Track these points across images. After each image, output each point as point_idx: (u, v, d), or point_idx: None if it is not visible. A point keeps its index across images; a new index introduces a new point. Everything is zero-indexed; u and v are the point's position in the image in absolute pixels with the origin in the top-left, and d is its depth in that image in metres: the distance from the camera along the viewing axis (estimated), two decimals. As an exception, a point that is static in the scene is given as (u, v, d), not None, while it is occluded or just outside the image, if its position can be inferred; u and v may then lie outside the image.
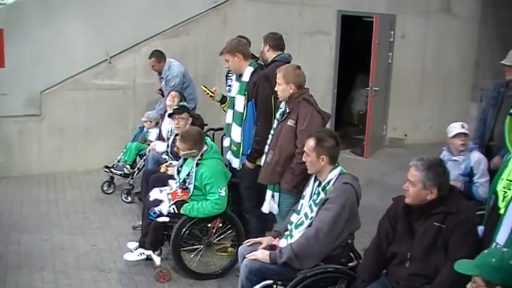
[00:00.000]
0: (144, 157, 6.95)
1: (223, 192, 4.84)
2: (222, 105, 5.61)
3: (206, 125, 6.66)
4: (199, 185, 4.90)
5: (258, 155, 4.92)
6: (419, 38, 10.59)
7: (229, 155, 5.28)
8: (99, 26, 8.03)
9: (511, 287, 2.51)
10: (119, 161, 7.23)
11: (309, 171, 3.96)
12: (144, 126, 7.45)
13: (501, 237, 3.05)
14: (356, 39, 10.62)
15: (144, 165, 6.90)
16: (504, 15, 10.91)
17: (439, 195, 3.30)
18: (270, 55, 5.53)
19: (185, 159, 5.24)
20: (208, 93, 5.68)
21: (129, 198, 6.97)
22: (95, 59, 8.14)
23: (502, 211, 3.11)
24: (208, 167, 4.90)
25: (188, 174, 5.02)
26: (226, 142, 5.38)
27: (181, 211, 4.87)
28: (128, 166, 7.13)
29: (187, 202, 4.90)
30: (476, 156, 5.17)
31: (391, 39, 10.18)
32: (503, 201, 3.15)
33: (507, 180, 3.17)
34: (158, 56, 7.64)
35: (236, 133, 5.09)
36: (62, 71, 7.98)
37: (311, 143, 3.86)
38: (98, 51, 8.09)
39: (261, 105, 4.95)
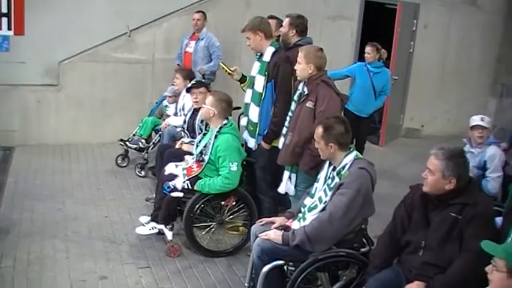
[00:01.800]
0: (160, 132, 6.96)
1: (234, 167, 4.83)
2: (242, 85, 5.58)
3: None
4: (214, 158, 4.90)
5: (275, 136, 4.91)
6: (442, 29, 10.45)
7: (245, 135, 5.26)
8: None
9: None
10: (134, 135, 7.22)
11: (321, 157, 3.95)
12: (162, 101, 7.43)
13: None
14: (378, 26, 10.51)
15: (159, 140, 6.91)
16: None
17: (457, 185, 3.27)
18: (294, 39, 5.48)
19: (204, 134, 5.24)
20: (227, 71, 5.65)
21: (143, 173, 6.99)
22: (115, 31, 8.12)
23: None
24: (224, 140, 4.90)
25: (205, 146, 5.03)
26: (243, 121, 5.36)
27: (195, 187, 4.87)
28: (143, 140, 7.13)
29: (201, 178, 4.90)
30: (492, 150, 5.13)
31: (414, 29, 10.05)
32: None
33: None
34: (204, 14, 7.73)
35: (254, 113, 5.07)
36: (81, 43, 7.99)
37: (319, 130, 3.84)
38: (118, 24, 8.07)
39: (281, 87, 4.92)
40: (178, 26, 8.43)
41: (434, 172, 3.29)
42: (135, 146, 7.14)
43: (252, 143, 5.14)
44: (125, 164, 7.29)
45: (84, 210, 5.81)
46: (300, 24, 5.51)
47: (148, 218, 5.17)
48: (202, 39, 7.78)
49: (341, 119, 3.96)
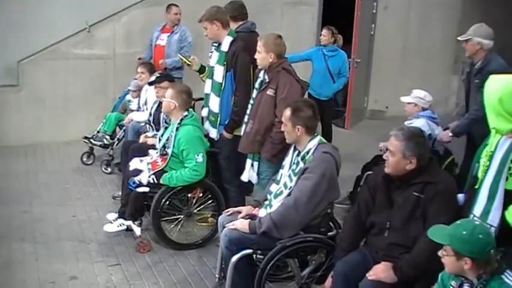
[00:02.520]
0: (124, 128, 6.91)
1: (200, 158, 4.82)
2: (201, 75, 5.56)
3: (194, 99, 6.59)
4: (177, 151, 4.89)
5: (236, 125, 4.91)
6: (402, 10, 10.53)
7: (207, 125, 5.25)
8: (79, -7, 7.88)
9: (478, 259, 2.59)
10: (98, 132, 7.14)
11: (287, 141, 3.96)
12: (125, 96, 7.36)
13: (477, 210, 3.08)
14: (339, 11, 10.54)
15: (124, 136, 6.85)
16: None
17: (418, 165, 3.31)
18: (232, 26, 5.43)
19: (165, 128, 5.21)
20: (185, 62, 5.62)
21: (109, 169, 6.93)
22: (74, 27, 7.99)
23: (479, 182, 3.14)
24: (185, 132, 4.88)
25: (167, 139, 5.01)
26: (204, 112, 5.33)
27: (161, 181, 4.85)
28: (107, 137, 7.05)
29: (166, 172, 4.88)
30: (416, 123, 5.18)
31: (374, 11, 10.12)
32: (482, 171, 3.17)
33: (489, 151, 3.18)
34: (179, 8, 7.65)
35: (214, 103, 5.06)
36: (40, 40, 7.82)
37: (287, 112, 3.86)
38: (77, 20, 7.93)
39: (240, 76, 4.92)
40: (138, 19, 8.34)
41: (395, 153, 3.32)
42: (99, 143, 7.05)
43: (213, 133, 5.14)
44: (90, 162, 7.21)
45: (52, 211, 5.73)
46: (231, 9, 5.46)
47: (116, 215, 5.13)
48: (176, 32, 7.67)
49: (309, 103, 4.00)
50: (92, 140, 7.09)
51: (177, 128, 4.94)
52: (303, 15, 9.61)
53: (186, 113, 4.99)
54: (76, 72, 8.10)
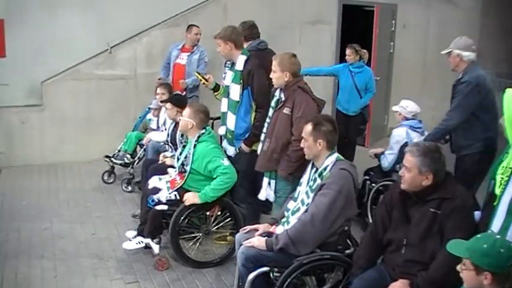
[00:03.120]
0: (144, 147, 6.97)
1: (226, 162, 4.85)
2: (215, 93, 5.63)
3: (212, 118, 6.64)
4: (197, 167, 4.92)
5: (256, 139, 4.95)
6: (421, 28, 10.54)
7: (224, 143, 5.30)
8: (100, 15, 8.01)
9: (498, 274, 2.54)
10: (119, 151, 7.23)
11: (306, 157, 3.97)
12: (145, 115, 7.44)
13: (496, 225, 3.05)
14: (357, 29, 10.59)
15: (144, 155, 6.92)
16: (505, 5, 10.87)
17: (434, 181, 3.30)
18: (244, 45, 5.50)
19: (184, 146, 5.26)
20: (201, 81, 5.69)
21: (130, 188, 6.99)
22: (96, 49, 8.13)
23: (497, 198, 3.11)
24: (203, 147, 4.94)
25: (186, 157, 5.05)
26: (221, 130, 5.38)
27: (199, 201, 4.82)
28: (128, 155, 7.12)
29: (187, 190, 4.92)
30: (396, 131, 5.84)
31: (393, 29, 10.14)
32: (499, 187, 3.14)
33: (506, 167, 3.15)
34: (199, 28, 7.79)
35: (231, 121, 5.12)
36: (62, 61, 7.97)
37: (309, 127, 3.87)
38: (98, 41, 8.07)
39: (259, 93, 4.98)
40: (158, 39, 8.46)
41: (411, 169, 3.32)
42: (120, 162, 7.13)
43: (231, 151, 5.18)
44: (111, 180, 7.28)
45: (71, 228, 5.79)
46: (242, 31, 5.53)
47: (135, 233, 5.17)
48: (196, 53, 7.80)
49: (329, 117, 4.02)
50: (113, 159, 7.17)
51: (194, 145, 4.98)
52: (322, 34, 9.67)
53: (203, 131, 5.04)
54: (98, 92, 8.23)
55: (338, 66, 7.98)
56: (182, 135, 5.68)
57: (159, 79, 7.81)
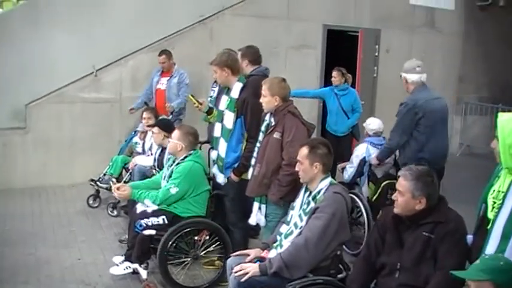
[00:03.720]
0: (130, 170, 6.94)
1: (173, 190, 4.85)
2: (209, 117, 5.63)
3: (201, 142, 6.62)
4: None
5: (245, 169, 4.93)
6: (404, 53, 10.67)
7: (214, 169, 5.26)
8: (85, 38, 8.01)
9: None
10: (104, 174, 7.18)
11: (301, 180, 3.96)
12: (131, 139, 7.43)
13: (490, 249, 3.06)
14: (342, 53, 10.71)
15: (130, 179, 6.86)
16: (486, 31, 11.09)
17: (427, 205, 3.31)
18: (248, 69, 5.53)
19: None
20: (195, 104, 5.70)
21: (115, 212, 6.92)
22: (81, 72, 8.11)
23: (490, 222, 3.13)
24: (183, 165, 4.96)
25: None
26: (213, 155, 5.38)
27: (130, 196, 4.96)
28: (113, 179, 7.02)
29: (176, 215, 4.91)
30: (357, 147, 6.25)
31: (376, 54, 10.27)
32: (492, 211, 3.17)
33: (498, 191, 3.18)
34: (169, 53, 7.83)
35: (223, 148, 5.09)
36: (47, 84, 7.94)
37: (305, 150, 3.88)
38: (83, 64, 8.06)
39: (252, 122, 4.95)
40: (144, 63, 8.47)
41: (404, 193, 3.33)
42: (106, 186, 7.05)
43: (220, 178, 5.15)
44: (96, 205, 7.20)
45: (57, 254, 5.69)
46: (251, 54, 5.56)
47: (122, 258, 5.10)
48: (175, 76, 7.86)
49: (324, 141, 4.04)
50: (98, 183, 7.11)
51: (178, 163, 5.01)
52: (307, 58, 9.77)
53: (191, 152, 5.05)
54: (82, 115, 8.19)
55: (324, 89, 8.17)
56: (169, 159, 5.65)
57: (131, 109, 7.94)
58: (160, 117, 6.70)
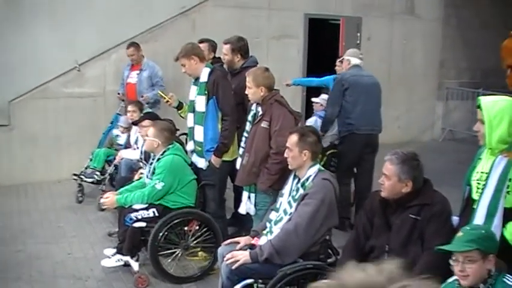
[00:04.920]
0: (114, 162, 6.97)
1: (159, 186, 4.90)
2: (179, 111, 5.66)
3: (178, 130, 6.66)
4: None
5: (226, 148, 5.00)
6: (385, 40, 10.77)
7: (194, 157, 5.28)
8: (68, 33, 7.97)
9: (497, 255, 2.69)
10: (86, 168, 7.20)
11: (290, 167, 4.01)
12: (109, 131, 7.59)
13: None
14: (323, 42, 10.77)
15: (116, 172, 6.89)
16: (466, 17, 11.20)
17: (414, 187, 3.39)
18: (240, 63, 5.58)
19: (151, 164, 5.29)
20: (164, 99, 5.72)
21: (104, 206, 6.90)
22: (64, 67, 8.07)
23: (475, 203, 3.22)
24: (164, 160, 5.00)
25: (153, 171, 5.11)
26: (189, 146, 5.38)
27: (116, 204, 5.03)
28: (97, 173, 7.11)
29: (167, 207, 4.95)
30: (307, 120, 6.87)
31: (358, 42, 10.33)
32: (476, 192, 3.26)
33: (480, 172, 3.27)
34: (137, 46, 7.77)
35: (199, 133, 5.13)
36: (30, 80, 7.90)
37: (294, 138, 3.93)
38: (66, 59, 8.02)
39: (224, 101, 5.01)
40: (127, 56, 8.43)
41: (391, 177, 3.40)
42: (91, 180, 7.10)
43: (202, 163, 5.18)
44: (82, 199, 7.22)
45: (47, 249, 5.71)
46: (243, 47, 5.64)
47: (114, 250, 5.13)
48: (145, 69, 7.82)
49: (314, 129, 4.11)
50: (82, 177, 7.12)
51: (158, 159, 5.04)
52: (289, 48, 9.79)
53: (169, 146, 5.10)
54: (67, 110, 8.17)
55: (328, 77, 8.10)
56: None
57: (119, 94, 7.95)
58: (147, 111, 6.68)
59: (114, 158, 7.04)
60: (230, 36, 5.88)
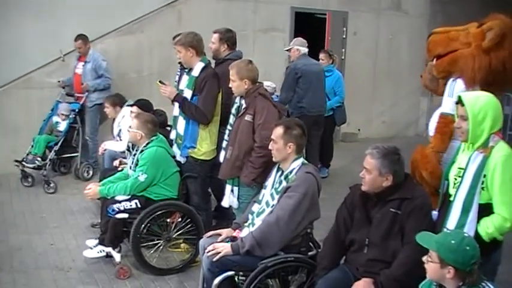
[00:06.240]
0: (54, 148, 7.43)
1: (142, 178, 4.92)
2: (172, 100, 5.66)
3: (170, 126, 6.62)
4: None
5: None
6: (371, 35, 10.81)
7: (175, 148, 5.27)
8: (52, 23, 7.92)
9: (461, 270, 2.65)
10: (28, 155, 7.39)
11: (274, 159, 4.01)
12: (49, 118, 7.79)
13: (451, 223, 3.21)
14: (309, 36, 10.77)
15: (56, 157, 7.56)
16: (452, 13, 11.24)
17: (394, 181, 3.41)
18: (225, 53, 5.58)
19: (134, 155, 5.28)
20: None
21: (51, 190, 7.20)
22: (48, 57, 8.03)
23: (452, 197, 3.26)
24: (148, 151, 5.00)
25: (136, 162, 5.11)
26: (172, 135, 5.37)
27: (98, 195, 5.07)
28: (39, 158, 7.33)
29: (150, 198, 4.96)
30: None
31: (344, 36, 10.38)
32: (453, 187, 3.30)
33: (458, 168, 3.32)
34: (85, 38, 7.79)
35: (181, 126, 5.13)
36: (14, 70, 7.86)
37: (280, 130, 3.93)
38: (51, 49, 7.98)
39: (203, 103, 5.00)
40: (111, 47, 8.42)
41: (371, 171, 3.42)
42: (32, 165, 7.31)
43: (178, 156, 5.21)
44: (29, 184, 7.44)
45: (29, 240, 5.68)
46: (230, 38, 5.65)
47: (96, 241, 5.13)
48: (89, 61, 7.82)
49: (299, 122, 4.08)
50: (23, 163, 7.31)
51: (142, 151, 5.04)
52: (275, 41, 9.81)
53: (153, 138, 5.10)
54: (51, 100, 8.05)
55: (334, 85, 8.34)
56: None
57: (59, 81, 7.97)
58: (139, 98, 6.66)
59: (55, 144, 7.44)
60: (216, 28, 5.87)
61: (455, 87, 4.29)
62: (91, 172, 7.87)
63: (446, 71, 4.48)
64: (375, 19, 10.81)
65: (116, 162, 6.00)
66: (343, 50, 10.39)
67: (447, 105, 4.29)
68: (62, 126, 7.69)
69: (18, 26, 7.75)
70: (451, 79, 4.39)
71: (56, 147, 7.49)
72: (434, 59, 4.64)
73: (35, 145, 7.43)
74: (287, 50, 7.63)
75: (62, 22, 7.94)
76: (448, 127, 4.20)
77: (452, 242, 2.67)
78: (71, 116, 7.73)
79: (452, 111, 3.91)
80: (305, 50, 7.38)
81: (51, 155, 7.42)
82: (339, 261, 3.68)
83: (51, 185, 7.25)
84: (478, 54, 4.19)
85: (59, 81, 7.96)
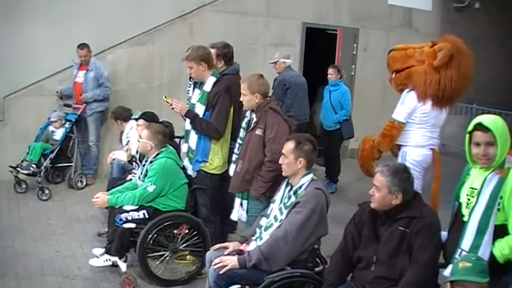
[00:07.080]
0: (50, 155, 7.44)
1: (151, 188, 4.93)
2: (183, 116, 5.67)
3: (179, 137, 6.63)
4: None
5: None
6: (381, 52, 10.80)
7: (186, 161, 5.31)
8: (65, 32, 7.96)
9: None
10: (23, 161, 7.41)
11: (284, 174, 4.02)
12: (46, 127, 7.80)
13: (466, 244, 3.18)
14: (320, 52, 10.82)
15: (51, 165, 7.58)
16: (461, 32, 11.26)
17: (403, 200, 3.41)
18: (221, 69, 5.57)
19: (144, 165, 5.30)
20: (168, 103, 5.71)
21: (45, 197, 7.21)
22: (60, 65, 8.07)
23: (465, 218, 3.24)
24: (157, 162, 5.02)
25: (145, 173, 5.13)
26: (184, 148, 5.40)
27: (106, 204, 5.06)
28: (33, 165, 7.36)
29: (157, 209, 4.96)
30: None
31: (354, 52, 10.39)
32: (466, 208, 3.28)
33: (470, 188, 3.30)
34: (89, 47, 7.84)
35: (193, 140, 5.15)
36: (26, 77, 7.89)
37: (291, 145, 3.94)
38: (63, 58, 8.00)
39: (217, 115, 5.03)
40: (123, 58, 8.47)
41: (381, 188, 3.42)
42: (27, 172, 7.33)
43: (190, 170, 5.23)
44: (23, 190, 7.44)
45: (35, 246, 5.70)
46: (227, 54, 5.64)
47: (102, 250, 5.13)
48: (91, 70, 7.85)
49: (310, 137, 4.09)
50: (18, 169, 7.33)
51: (151, 161, 5.06)
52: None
53: (162, 149, 5.12)
54: (61, 108, 8.13)
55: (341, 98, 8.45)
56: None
57: (57, 92, 8.01)
58: (144, 111, 6.68)
59: (51, 152, 7.48)
60: (226, 41, 5.89)
61: (408, 97, 5.10)
62: (84, 182, 7.89)
63: (403, 84, 5.23)
64: (385, 36, 10.83)
65: (130, 177, 5.98)
66: (353, 65, 10.42)
67: (398, 112, 5.19)
68: (58, 135, 7.72)
69: (30, 33, 7.81)
70: (406, 90, 5.15)
71: (52, 155, 7.51)
72: (394, 73, 5.30)
73: (31, 152, 7.47)
74: (273, 63, 7.89)
75: (74, 31, 7.97)
76: (391, 132, 5.30)
77: (484, 262, 2.83)
78: (67, 125, 7.77)
79: (401, 119, 5.15)
80: (290, 62, 7.95)
81: (46, 162, 7.44)
82: (345, 278, 3.67)
83: (46, 191, 7.25)
84: (430, 72, 4.89)
85: (57, 92, 8.00)
